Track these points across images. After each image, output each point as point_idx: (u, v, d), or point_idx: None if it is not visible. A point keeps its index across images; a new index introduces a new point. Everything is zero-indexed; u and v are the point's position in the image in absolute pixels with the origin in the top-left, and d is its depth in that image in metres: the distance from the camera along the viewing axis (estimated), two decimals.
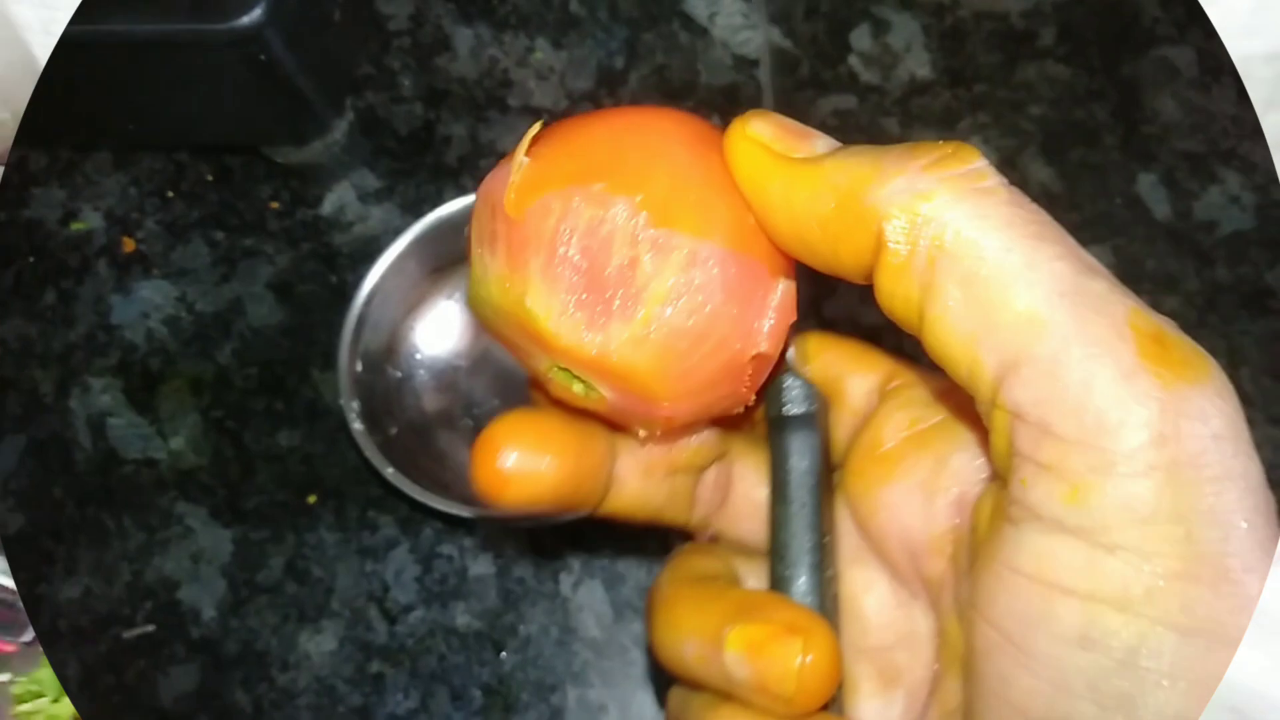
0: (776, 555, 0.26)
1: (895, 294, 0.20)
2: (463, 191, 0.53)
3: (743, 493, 0.28)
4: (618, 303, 0.21)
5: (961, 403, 0.25)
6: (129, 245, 0.54)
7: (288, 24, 0.42)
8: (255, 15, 0.40)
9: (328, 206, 0.53)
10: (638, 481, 0.26)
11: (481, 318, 0.24)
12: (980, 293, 0.19)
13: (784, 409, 0.27)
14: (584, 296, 0.21)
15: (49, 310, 0.53)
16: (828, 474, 0.27)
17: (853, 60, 0.55)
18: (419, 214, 0.53)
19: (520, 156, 0.22)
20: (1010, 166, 0.51)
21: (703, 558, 0.27)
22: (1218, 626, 0.18)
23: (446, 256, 0.47)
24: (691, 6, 0.57)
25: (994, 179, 0.20)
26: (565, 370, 0.23)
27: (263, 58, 0.42)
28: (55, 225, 0.55)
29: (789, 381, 0.27)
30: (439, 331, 0.47)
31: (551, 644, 0.44)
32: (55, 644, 0.46)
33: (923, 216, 0.19)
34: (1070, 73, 0.54)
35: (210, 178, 0.55)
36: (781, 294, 0.23)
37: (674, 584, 0.26)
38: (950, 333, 0.19)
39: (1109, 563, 0.18)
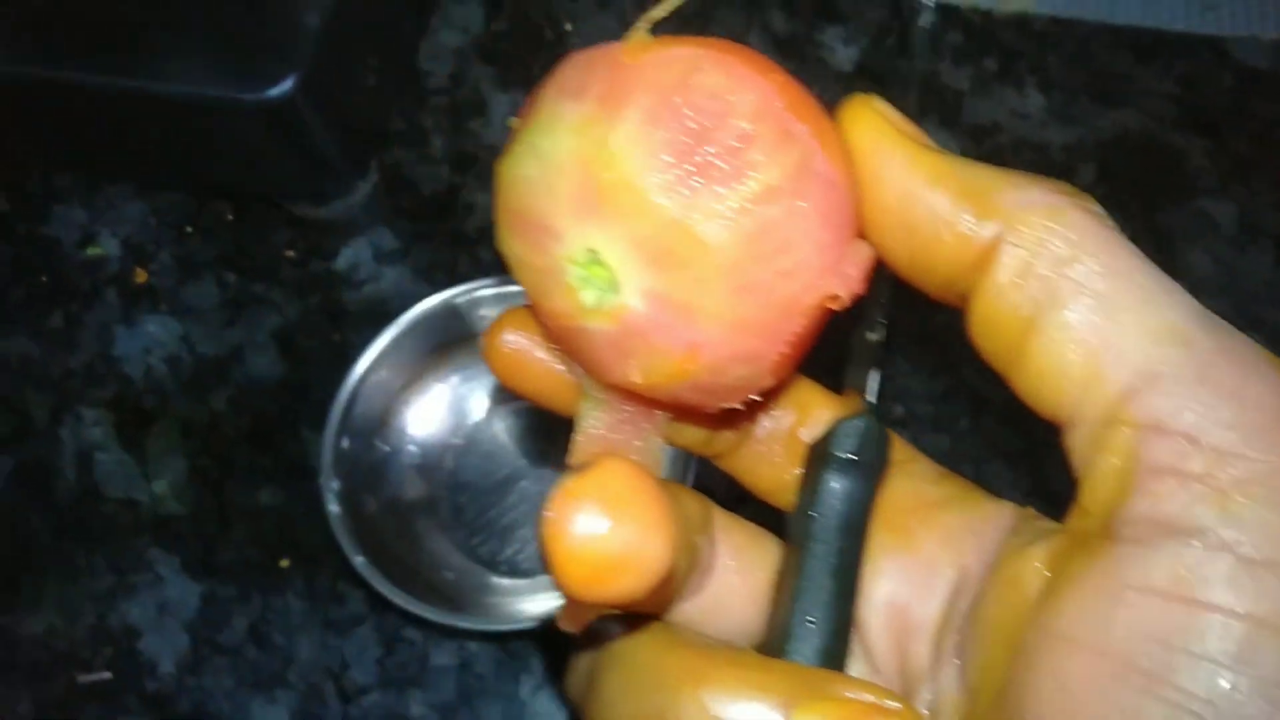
0: (790, 606, 0.22)
1: (1000, 303, 0.20)
2: (477, 263, 0.53)
3: (724, 580, 0.24)
4: (717, 172, 0.19)
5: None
6: (141, 276, 0.54)
7: (319, 92, 0.42)
8: (286, 87, 0.40)
9: (342, 262, 0.53)
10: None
11: (510, 182, 0.21)
12: (1112, 307, 0.19)
13: (854, 452, 0.23)
14: (682, 153, 0.19)
15: (54, 333, 0.53)
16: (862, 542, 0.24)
17: None
18: (431, 280, 0.53)
19: (656, 13, 0.20)
20: None
21: (675, 629, 0.23)
22: None
23: (448, 336, 0.46)
24: None
25: (1114, 224, 0.20)
26: (587, 262, 0.20)
27: (290, 124, 0.42)
28: (72, 247, 0.55)
29: (871, 425, 0.24)
30: (432, 411, 0.47)
31: None
32: (10, 678, 0.46)
33: (1054, 228, 0.19)
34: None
35: (230, 217, 0.55)
36: (863, 251, 0.21)
37: (660, 648, 0.21)
38: (1067, 345, 0.19)
39: (1266, 579, 0.17)
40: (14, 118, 0.53)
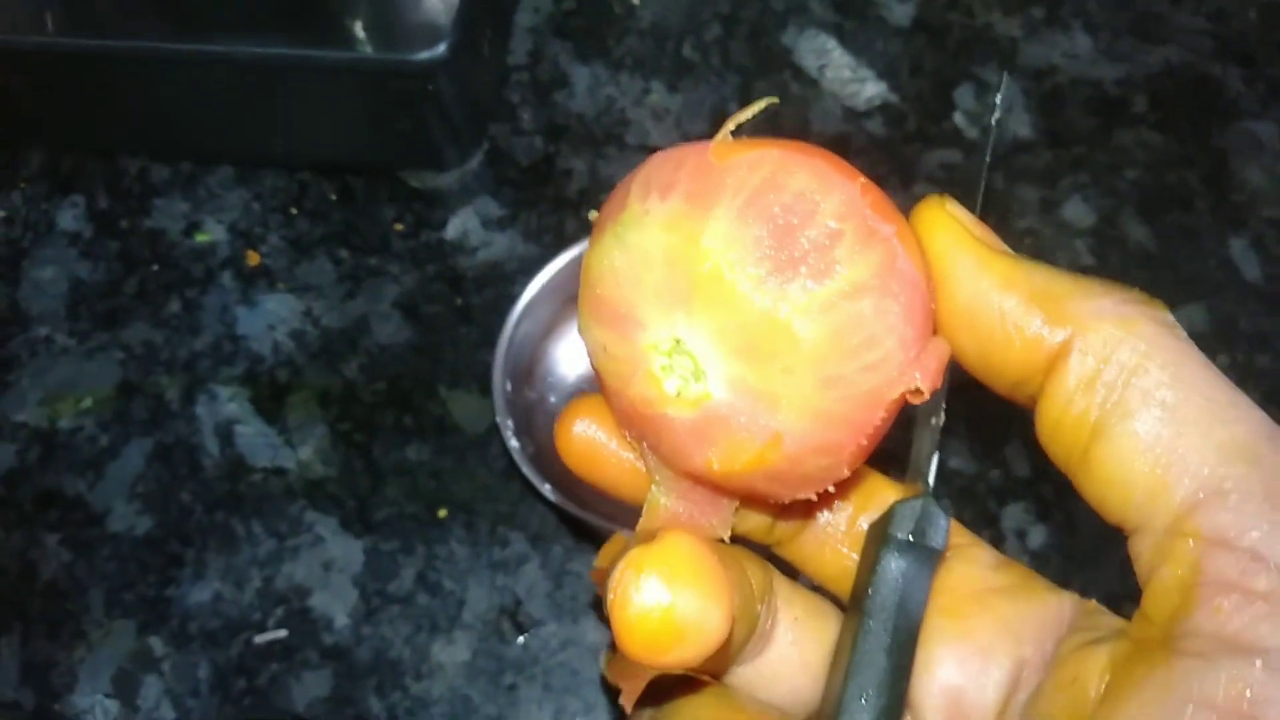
0: (844, 681, 0.23)
1: (1068, 409, 0.20)
2: (584, 224, 0.55)
3: (781, 650, 0.25)
4: (806, 268, 0.19)
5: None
6: (254, 259, 0.55)
7: (457, 60, 0.44)
8: (440, 51, 0.42)
9: (451, 231, 0.55)
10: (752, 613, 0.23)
11: (596, 272, 0.21)
12: (1179, 419, 0.19)
13: (912, 534, 0.24)
14: (771, 250, 0.20)
15: (174, 318, 0.54)
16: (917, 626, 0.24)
17: (957, 117, 0.58)
18: (541, 242, 0.55)
19: (741, 116, 0.21)
20: (1110, 225, 0.54)
21: (732, 694, 0.24)
22: None
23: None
24: (801, 58, 0.60)
25: (1185, 333, 0.20)
26: (672, 351, 0.21)
27: (438, 87, 0.44)
28: (178, 236, 0.56)
29: (930, 507, 0.24)
30: (573, 356, 0.49)
31: None
32: (185, 646, 0.46)
33: (1123, 337, 0.20)
34: (1162, 140, 0.57)
35: (333, 197, 0.56)
36: (942, 347, 0.21)
37: (718, 711, 0.22)
38: (1133, 454, 0.19)
39: None
40: (113, 103, 0.55)
